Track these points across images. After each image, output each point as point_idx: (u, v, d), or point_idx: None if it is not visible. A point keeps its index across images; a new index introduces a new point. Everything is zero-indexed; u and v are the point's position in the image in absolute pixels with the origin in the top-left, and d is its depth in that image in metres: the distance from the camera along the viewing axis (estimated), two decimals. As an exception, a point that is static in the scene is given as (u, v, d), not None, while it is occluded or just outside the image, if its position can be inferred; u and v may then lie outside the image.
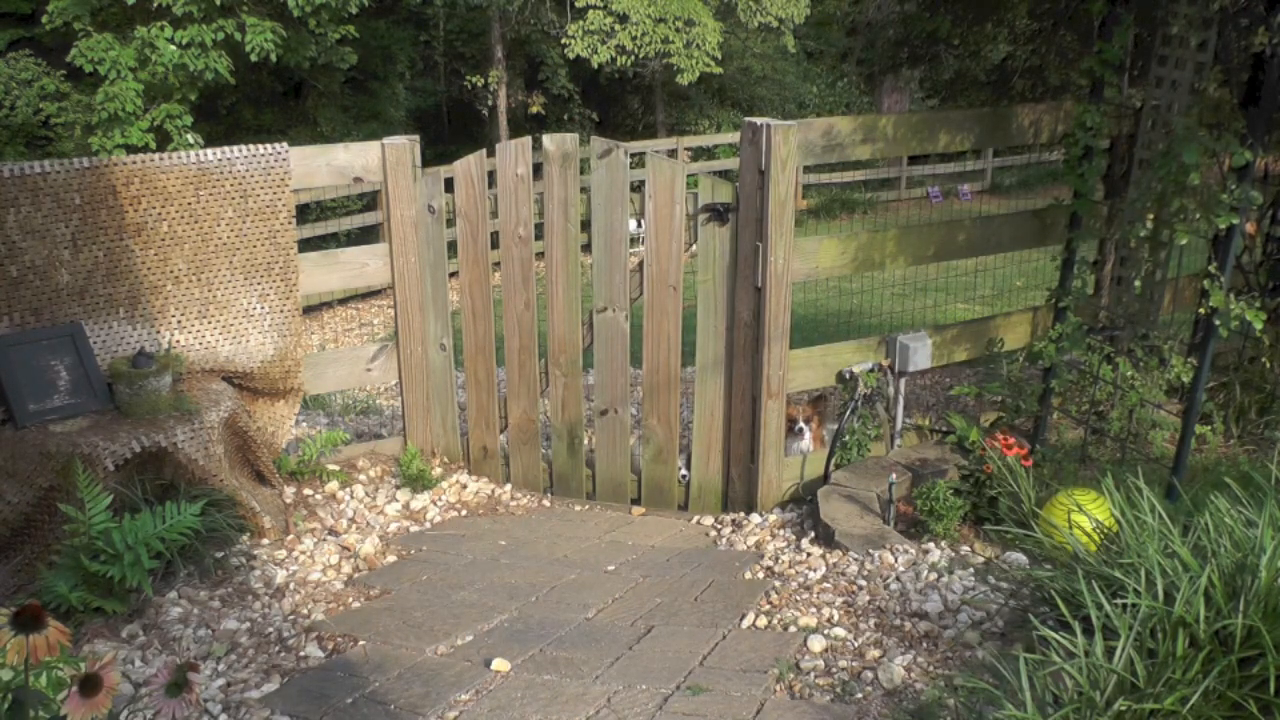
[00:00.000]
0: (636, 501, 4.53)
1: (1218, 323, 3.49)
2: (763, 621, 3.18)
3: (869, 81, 21.51)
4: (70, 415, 3.45)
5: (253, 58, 11.79)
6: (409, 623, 3.19)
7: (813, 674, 2.82)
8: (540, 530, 4.10)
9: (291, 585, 3.47)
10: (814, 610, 3.20)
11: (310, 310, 11.02)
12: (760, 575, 3.58)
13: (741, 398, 4.18)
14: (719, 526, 4.22)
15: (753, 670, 2.82)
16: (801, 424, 4.38)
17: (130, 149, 11.51)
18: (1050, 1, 5.40)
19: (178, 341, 3.84)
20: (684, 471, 4.48)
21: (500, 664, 2.88)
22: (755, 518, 4.16)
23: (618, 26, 15.41)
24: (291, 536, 3.78)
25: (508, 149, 4.23)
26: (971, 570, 3.33)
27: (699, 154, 17.64)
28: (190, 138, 12.06)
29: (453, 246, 4.43)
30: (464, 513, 4.27)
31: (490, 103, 17.56)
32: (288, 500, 4.01)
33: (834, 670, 2.83)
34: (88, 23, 11.87)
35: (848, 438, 4.24)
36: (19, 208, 3.47)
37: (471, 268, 4.37)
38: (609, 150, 4.15)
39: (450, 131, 19.11)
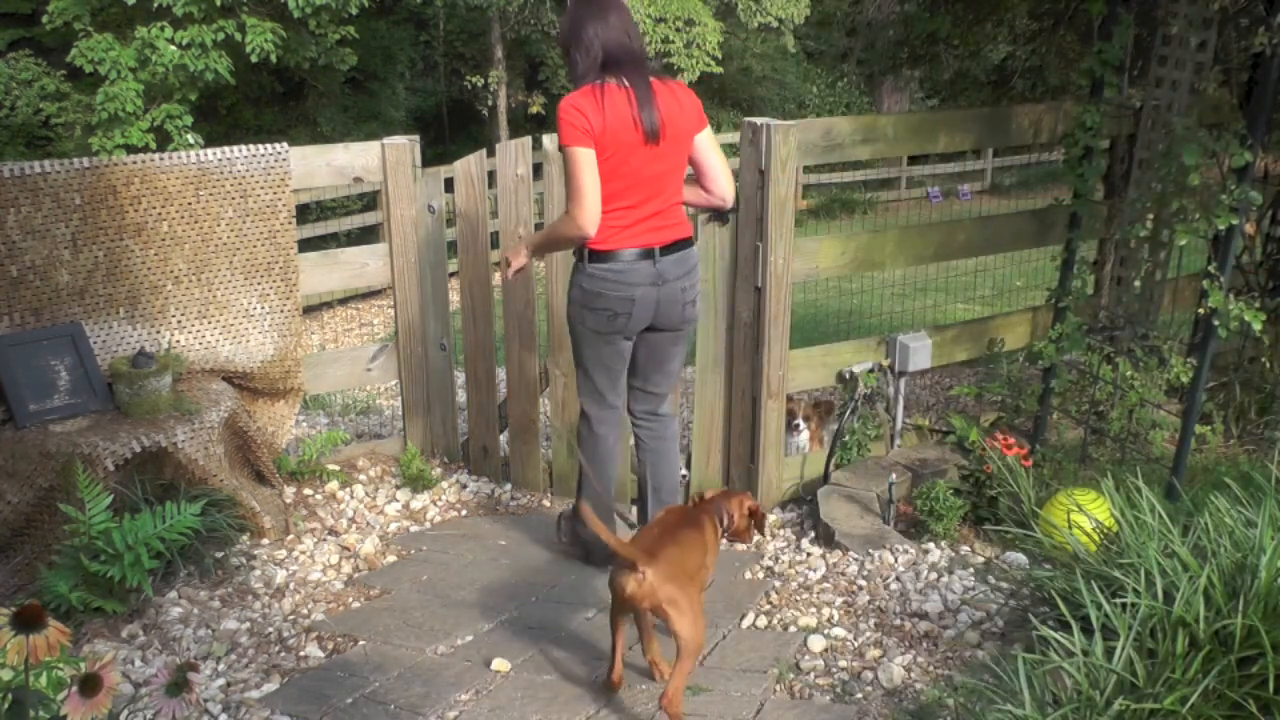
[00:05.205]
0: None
1: (1217, 323, 3.49)
2: (763, 621, 3.18)
3: (869, 82, 21.48)
4: (70, 415, 3.45)
5: (253, 58, 11.78)
6: (409, 623, 3.19)
7: (812, 674, 2.82)
8: (540, 530, 4.10)
9: (291, 585, 3.47)
10: (814, 610, 3.21)
11: (310, 310, 11.01)
12: (760, 575, 3.58)
13: (741, 398, 4.17)
14: (719, 526, 4.21)
15: (752, 670, 2.83)
16: (800, 420, 4.38)
17: (130, 149, 11.50)
18: (1050, 1, 5.40)
19: (178, 341, 3.84)
20: (684, 471, 4.47)
21: (500, 664, 2.88)
22: (755, 518, 4.16)
23: (618, 26, 15.37)
24: (291, 536, 3.79)
25: (508, 149, 4.23)
26: (971, 570, 3.33)
27: (699, 154, 17.58)
28: (190, 138, 12.05)
29: (453, 246, 4.43)
30: (464, 513, 4.27)
31: (490, 103, 17.54)
32: (288, 500, 4.02)
33: (834, 670, 2.83)
34: (88, 23, 11.86)
35: (848, 438, 4.24)
36: (19, 208, 3.47)
37: (471, 268, 4.37)
38: (609, 150, 4.14)
39: (450, 131, 19.09)
